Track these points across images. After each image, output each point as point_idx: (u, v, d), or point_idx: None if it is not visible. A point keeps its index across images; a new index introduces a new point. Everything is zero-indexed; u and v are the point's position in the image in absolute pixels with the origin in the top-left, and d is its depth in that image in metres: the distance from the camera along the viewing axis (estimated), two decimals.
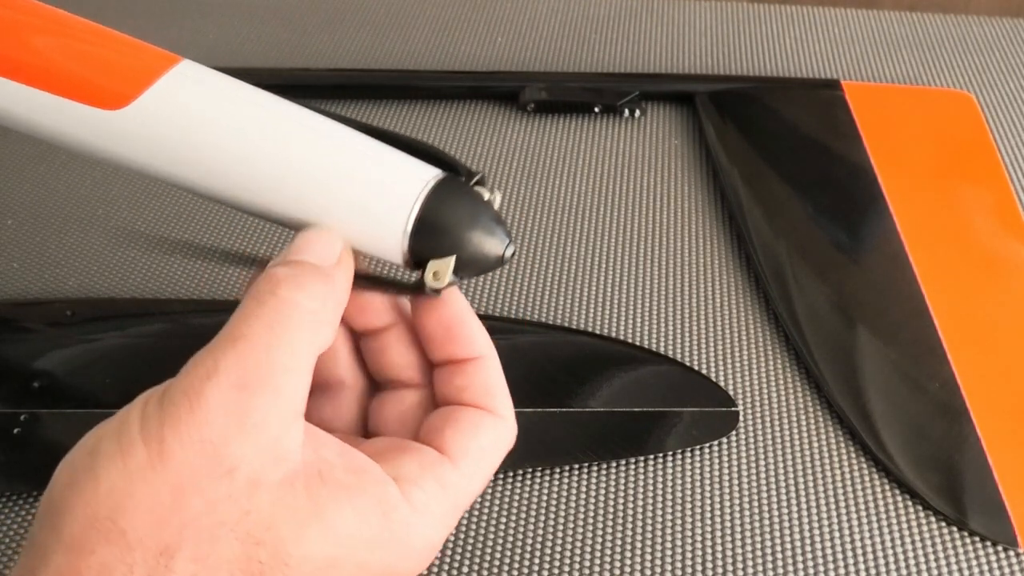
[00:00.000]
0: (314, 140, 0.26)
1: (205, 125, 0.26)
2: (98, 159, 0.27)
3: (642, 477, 0.40)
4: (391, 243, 0.26)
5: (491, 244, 0.26)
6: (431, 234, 0.26)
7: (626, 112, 0.59)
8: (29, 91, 0.26)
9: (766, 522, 0.39)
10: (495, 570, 0.37)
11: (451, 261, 0.26)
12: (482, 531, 0.38)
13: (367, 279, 0.27)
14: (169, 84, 0.26)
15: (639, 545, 0.38)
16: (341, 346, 0.28)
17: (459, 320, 0.27)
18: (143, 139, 0.26)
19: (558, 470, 0.40)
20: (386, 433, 0.28)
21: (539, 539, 0.38)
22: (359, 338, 0.29)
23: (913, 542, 0.38)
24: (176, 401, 0.22)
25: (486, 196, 0.27)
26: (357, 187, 0.26)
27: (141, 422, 0.22)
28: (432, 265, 0.26)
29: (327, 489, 0.22)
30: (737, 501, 0.39)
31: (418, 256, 0.26)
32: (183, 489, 0.21)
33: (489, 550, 0.38)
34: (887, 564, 0.37)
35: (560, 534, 0.38)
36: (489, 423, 0.26)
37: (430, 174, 0.26)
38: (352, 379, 0.29)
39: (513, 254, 0.27)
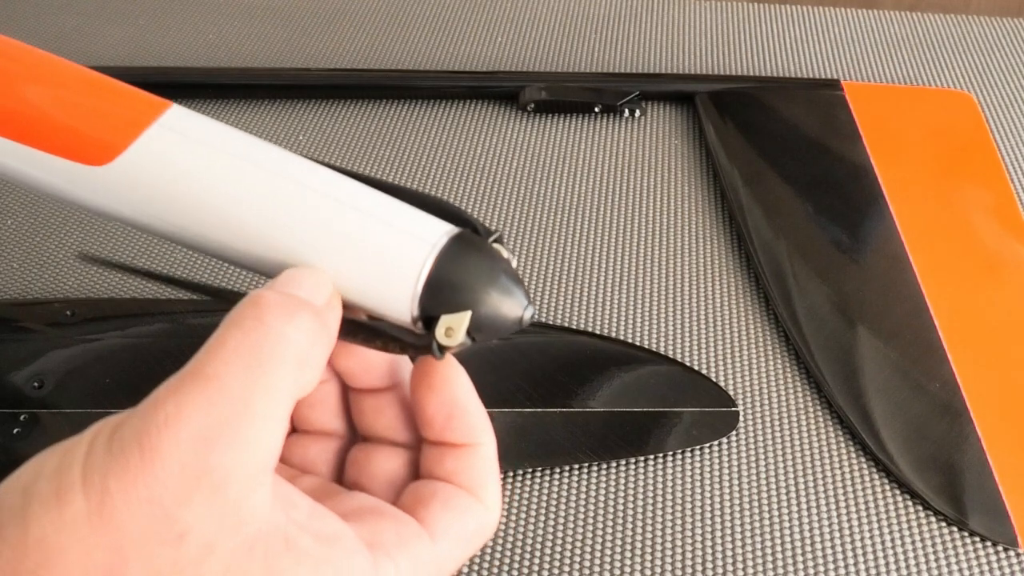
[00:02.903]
0: (314, 194, 0.24)
1: (194, 183, 0.24)
2: (83, 210, 0.26)
3: (642, 477, 0.40)
4: (400, 299, 0.24)
5: (509, 305, 0.24)
6: (444, 291, 0.24)
7: (626, 112, 0.59)
8: (7, 143, 0.24)
9: (766, 522, 0.39)
10: (495, 570, 0.37)
11: (466, 317, 0.24)
12: None
13: (362, 329, 0.24)
14: (156, 137, 0.24)
15: (639, 545, 0.38)
16: (329, 395, 0.27)
17: (462, 407, 0.25)
18: (128, 195, 0.24)
19: (558, 470, 0.40)
20: (364, 488, 0.26)
21: (539, 539, 0.38)
22: (349, 390, 0.27)
23: (913, 542, 0.38)
24: (127, 447, 0.19)
25: (504, 255, 0.25)
26: (363, 242, 0.24)
27: (84, 464, 0.19)
28: (445, 320, 0.24)
29: (290, 558, 0.20)
30: (737, 501, 0.39)
31: (429, 314, 0.24)
32: (123, 552, 0.18)
33: (489, 550, 0.38)
34: (887, 564, 0.37)
35: (560, 534, 0.38)
36: (477, 511, 0.24)
37: (443, 229, 0.24)
38: (338, 429, 0.27)
39: (532, 316, 0.25)
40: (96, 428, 0.20)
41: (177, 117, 0.25)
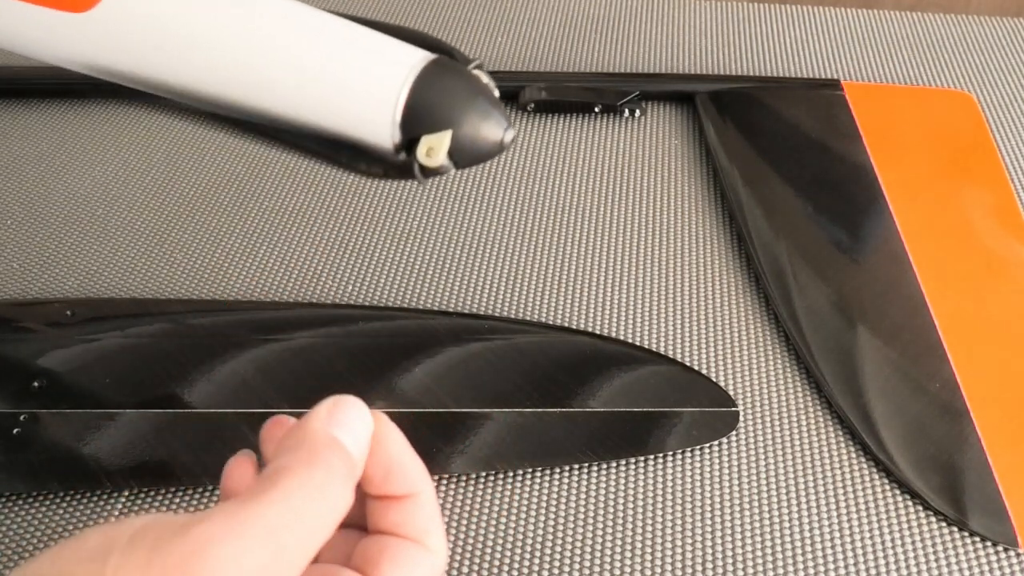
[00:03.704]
0: (295, 25, 0.24)
1: (177, 21, 0.24)
2: (72, 66, 0.26)
3: (642, 477, 0.40)
4: (381, 122, 0.24)
5: (489, 126, 0.24)
6: (423, 113, 0.24)
7: (626, 112, 0.59)
8: None
9: (766, 522, 0.39)
10: (495, 570, 0.37)
11: (447, 136, 0.23)
12: (482, 531, 0.38)
13: (346, 149, 0.24)
14: None
15: (639, 545, 0.38)
16: None
17: (397, 462, 0.26)
18: (109, 41, 0.24)
19: (558, 470, 0.40)
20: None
21: (539, 539, 0.38)
22: None
23: (913, 542, 0.38)
24: (170, 573, 0.20)
25: (484, 80, 0.25)
26: (343, 69, 0.24)
27: None
28: (426, 140, 0.24)
29: None
30: (737, 501, 0.39)
31: (410, 137, 0.24)
32: None
33: (489, 550, 0.38)
34: (887, 564, 0.37)
35: (560, 534, 0.38)
36: (424, 559, 0.26)
37: (421, 54, 0.24)
38: None
39: (513, 139, 0.25)
40: (127, 538, 0.20)
41: None
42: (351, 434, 0.24)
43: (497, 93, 0.25)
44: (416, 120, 0.24)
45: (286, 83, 0.24)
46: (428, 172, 0.24)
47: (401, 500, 0.26)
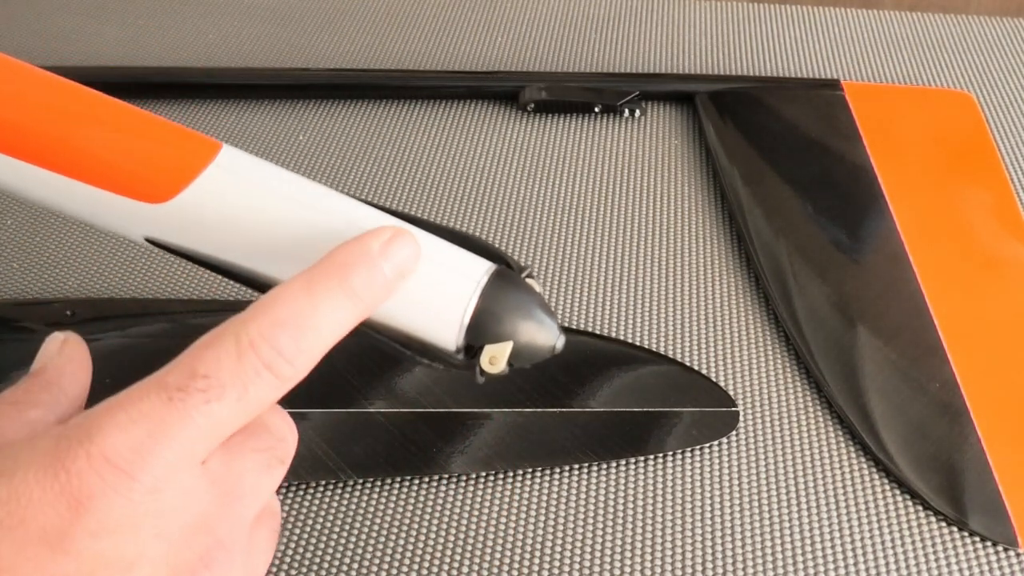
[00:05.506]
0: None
1: (248, 220, 0.26)
2: (128, 239, 0.28)
3: (642, 477, 0.40)
4: (447, 333, 0.26)
5: (544, 335, 0.27)
6: (486, 324, 0.26)
7: (626, 112, 0.59)
8: (73, 183, 0.26)
9: (766, 522, 0.39)
10: (495, 570, 0.37)
11: (508, 347, 0.26)
12: (482, 531, 0.38)
13: (415, 344, 0.27)
14: (211, 178, 0.26)
15: (639, 545, 0.38)
16: None
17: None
18: (182, 228, 0.27)
19: (558, 470, 0.40)
20: None
21: (539, 539, 0.38)
22: None
23: (913, 542, 0.38)
24: None
25: (537, 288, 0.28)
26: (414, 280, 0.26)
27: None
28: (488, 350, 0.26)
29: None
30: (737, 501, 0.39)
31: (472, 344, 0.26)
32: None
33: (489, 550, 0.38)
34: (887, 564, 0.37)
35: (560, 534, 0.38)
36: None
37: (484, 267, 0.27)
38: None
39: (563, 345, 0.28)
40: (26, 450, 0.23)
41: (229, 158, 0.27)
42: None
43: (545, 295, 0.29)
44: (480, 332, 0.26)
45: None
46: (488, 376, 0.27)
47: None
